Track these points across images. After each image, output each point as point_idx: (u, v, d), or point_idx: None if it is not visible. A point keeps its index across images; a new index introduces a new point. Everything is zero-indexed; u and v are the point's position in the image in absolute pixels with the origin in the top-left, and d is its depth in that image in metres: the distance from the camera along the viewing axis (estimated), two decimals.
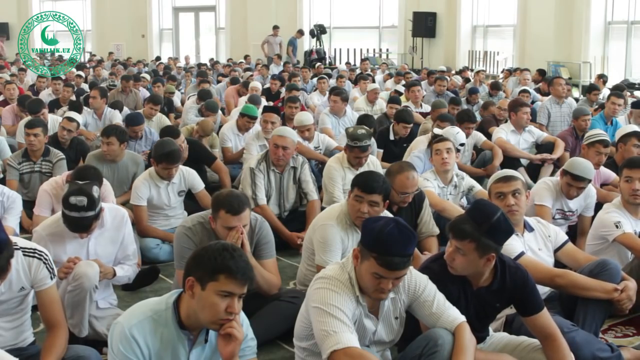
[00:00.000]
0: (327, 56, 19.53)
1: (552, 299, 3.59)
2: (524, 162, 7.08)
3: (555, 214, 4.64)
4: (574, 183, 4.45)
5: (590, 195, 4.75)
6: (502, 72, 15.19)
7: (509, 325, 3.41)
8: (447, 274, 2.97)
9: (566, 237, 3.74)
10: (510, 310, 3.29)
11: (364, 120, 7.15)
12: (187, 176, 5.25)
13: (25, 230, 5.13)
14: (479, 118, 9.00)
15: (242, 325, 2.50)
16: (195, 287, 2.39)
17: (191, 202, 5.43)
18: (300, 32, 18.98)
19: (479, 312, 3.03)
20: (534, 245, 3.60)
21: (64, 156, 5.98)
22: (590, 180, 4.54)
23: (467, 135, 6.61)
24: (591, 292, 3.39)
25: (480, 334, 3.09)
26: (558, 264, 3.72)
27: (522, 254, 3.43)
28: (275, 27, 18.84)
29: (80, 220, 3.35)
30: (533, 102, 10.12)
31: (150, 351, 2.43)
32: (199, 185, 5.34)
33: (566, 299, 3.53)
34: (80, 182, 3.47)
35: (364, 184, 3.69)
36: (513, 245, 3.43)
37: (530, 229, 3.64)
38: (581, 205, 4.71)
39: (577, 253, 3.75)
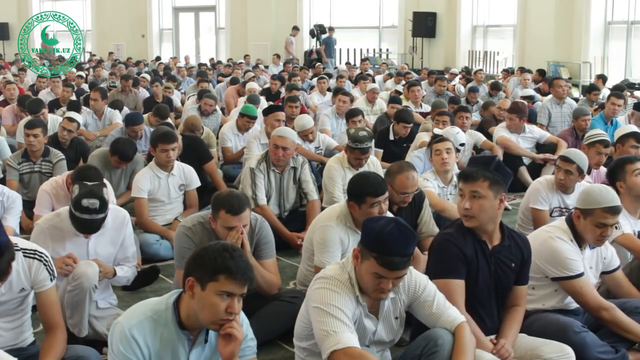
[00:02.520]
0: None
1: (579, 313, 3.49)
2: (525, 161, 7.08)
3: (553, 212, 4.64)
4: (562, 165, 4.57)
5: None
6: (501, 72, 15.17)
7: None
8: (464, 235, 3.05)
9: (618, 263, 3.67)
10: None
11: (353, 111, 7.54)
12: (186, 171, 5.42)
13: (25, 231, 5.13)
14: (479, 118, 9.01)
15: (242, 325, 2.50)
16: (195, 287, 2.39)
17: None
18: (331, 30, 18.79)
19: (498, 273, 3.09)
20: (587, 263, 3.50)
21: (64, 156, 5.97)
22: (579, 167, 4.54)
23: (463, 126, 6.70)
24: (629, 334, 3.36)
25: (497, 312, 3.17)
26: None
27: (581, 274, 3.36)
28: (295, 28, 18.77)
29: (91, 222, 3.37)
30: (533, 102, 10.12)
31: (150, 351, 2.43)
32: (194, 183, 5.47)
33: (595, 319, 3.46)
34: (89, 184, 3.45)
35: (374, 190, 3.66)
36: (575, 262, 3.36)
37: (592, 246, 3.51)
38: None
39: (623, 282, 3.67)
